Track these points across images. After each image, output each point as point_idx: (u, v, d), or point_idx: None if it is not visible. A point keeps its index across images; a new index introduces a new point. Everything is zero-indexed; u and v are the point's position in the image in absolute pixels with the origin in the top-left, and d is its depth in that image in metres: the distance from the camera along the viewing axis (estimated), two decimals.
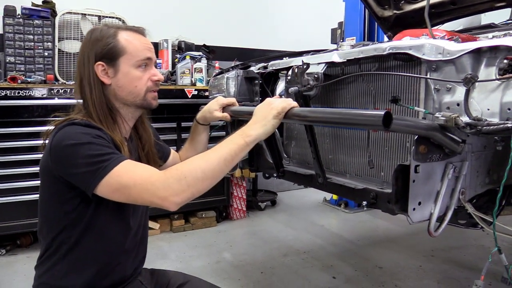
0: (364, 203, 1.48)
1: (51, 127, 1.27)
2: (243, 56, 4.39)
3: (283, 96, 2.18)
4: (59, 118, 1.29)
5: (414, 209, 1.27)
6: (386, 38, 3.32)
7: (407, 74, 1.41)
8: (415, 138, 1.25)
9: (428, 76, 1.33)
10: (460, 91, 1.26)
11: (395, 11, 2.90)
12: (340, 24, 4.68)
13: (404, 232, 3.66)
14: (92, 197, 1.18)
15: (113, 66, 1.30)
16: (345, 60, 1.58)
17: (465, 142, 1.28)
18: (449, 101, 1.29)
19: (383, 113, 1.02)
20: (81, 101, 1.34)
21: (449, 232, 3.35)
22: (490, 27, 2.48)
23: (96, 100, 1.29)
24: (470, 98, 1.22)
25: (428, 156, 1.27)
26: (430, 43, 1.32)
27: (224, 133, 3.85)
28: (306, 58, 1.71)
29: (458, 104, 1.26)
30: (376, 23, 4.38)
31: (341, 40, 4.61)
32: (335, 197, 4.56)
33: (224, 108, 1.65)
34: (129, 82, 1.32)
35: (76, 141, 1.15)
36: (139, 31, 1.38)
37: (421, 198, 1.28)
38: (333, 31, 4.85)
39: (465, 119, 1.19)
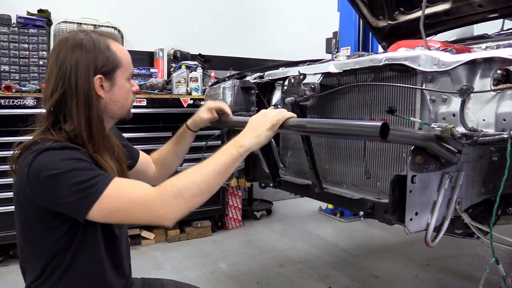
0: (361, 213, 1.48)
1: (16, 152, 1.20)
2: (239, 66, 4.40)
3: (279, 106, 2.19)
4: (24, 138, 1.21)
5: (411, 219, 1.28)
6: (380, 48, 3.35)
7: (404, 85, 1.42)
8: (412, 148, 1.26)
9: (423, 87, 1.34)
10: (456, 102, 1.27)
11: (389, 22, 2.93)
12: (335, 34, 4.71)
13: (400, 241, 3.66)
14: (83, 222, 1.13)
15: (110, 80, 1.25)
16: (341, 71, 1.59)
17: (461, 152, 1.29)
18: (445, 111, 1.31)
19: (380, 124, 1.03)
20: (41, 111, 1.25)
21: (444, 241, 3.33)
22: (483, 38, 2.51)
23: (94, 117, 1.20)
24: (466, 109, 1.23)
25: (424, 166, 1.28)
26: (426, 55, 1.33)
27: (219, 142, 3.86)
28: (302, 69, 1.72)
29: (453, 115, 1.27)
30: (370, 33, 4.43)
31: (336, 50, 4.65)
32: (330, 206, 4.55)
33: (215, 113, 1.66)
34: (122, 96, 1.29)
35: (58, 170, 1.08)
36: (119, 39, 1.35)
37: (418, 208, 1.29)
38: (328, 40, 4.89)
39: (461, 129, 1.20)
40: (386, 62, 1.42)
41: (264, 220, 4.44)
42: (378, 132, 1.03)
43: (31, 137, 1.21)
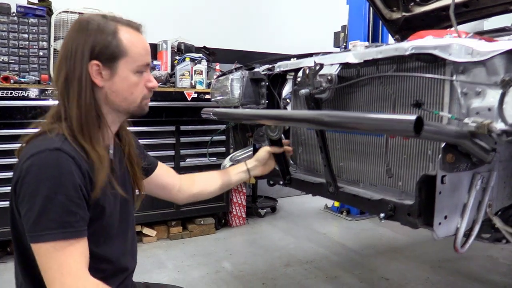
0: (382, 215, 1.37)
1: (23, 144, 1.15)
2: (244, 59, 4.28)
3: (288, 101, 2.08)
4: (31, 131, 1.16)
5: (440, 223, 1.17)
6: (391, 42, 3.24)
7: (436, 76, 1.30)
8: (442, 146, 1.15)
9: (456, 79, 1.23)
10: (492, 95, 1.16)
11: (404, 13, 2.81)
12: (344, 27, 4.59)
13: (409, 241, 3.55)
14: None
15: (109, 68, 1.16)
16: (362, 61, 1.47)
17: (495, 150, 1.18)
18: (479, 106, 1.19)
19: (414, 118, 0.92)
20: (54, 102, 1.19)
21: None
22: (504, 30, 2.39)
23: (83, 104, 1.13)
24: (504, 103, 1.11)
25: (455, 165, 1.17)
26: (458, 43, 1.21)
27: (224, 137, 3.77)
28: (318, 59, 1.60)
29: (489, 109, 1.15)
30: (380, 27, 4.31)
31: (344, 44, 4.53)
32: (337, 204, 4.45)
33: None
34: (125, 88, 1.20)
35: (39, 188, 1.02)
36: (138, 28, 1.25)
37: (448, 211, 1.18)
38: (336, 34, 4.77)
39: (499, 125, 1.09)
40: (413, 51, 1.30)
41: (268, 218, 4.34)
42: (412, 127, 0.92)
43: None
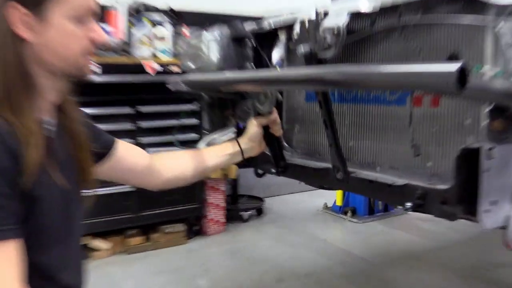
0: (408, 204, 1.33)
1: None
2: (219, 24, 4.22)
3: (277, 67, 2.03)
4: None
5: (486, 210, 1.14)
6: None
7: (476, 23, 1.26)
8: (488, 109, 1.11)
9: (501, 25, 1.19)
10: None
11: None
12: None
13: (431, 246, 3.58)
14: None
15: (38, 15, 1.08)
16: (378, 9, 1.43)
17: None
18: None
19: (457, 66, 0.86)
20: None
21: (489, 246, 3.27)
22: None
23: (5, 64, 1.08)
24: None
25: (505, 135, 1.14)
26: None
27: (197, 120, 3.71)
28: (321, 7, 1.55)
29: None
30: None
31: None
32: (339, 203, 4.46)
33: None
34: (60, 41, 1.13)
35: None
36: None
37: (496, 195, 1.15)
38: None
39: None
40: None
41: (253, 222, 4.33)
42: (455, 79, 0.86)
43: None
